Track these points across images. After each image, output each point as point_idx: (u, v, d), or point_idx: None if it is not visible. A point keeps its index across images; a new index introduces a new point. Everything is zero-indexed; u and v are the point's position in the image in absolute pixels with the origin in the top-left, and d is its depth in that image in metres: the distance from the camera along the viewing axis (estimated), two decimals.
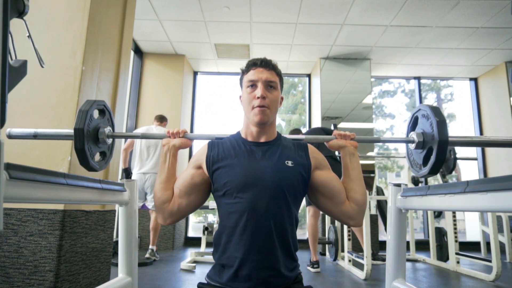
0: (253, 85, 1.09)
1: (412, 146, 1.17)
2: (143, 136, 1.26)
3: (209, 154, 1.10)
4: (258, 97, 1.06)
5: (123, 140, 3.61)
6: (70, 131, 1.09)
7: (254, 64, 1.11)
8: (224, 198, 1.05)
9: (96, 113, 1.18)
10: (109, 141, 1.23)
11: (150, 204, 3.55)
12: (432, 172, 1.08)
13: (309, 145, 1.17)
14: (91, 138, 1.12)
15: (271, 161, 1.06)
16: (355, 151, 1.14)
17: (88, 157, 1.10)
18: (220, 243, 1.04)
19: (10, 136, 1.14)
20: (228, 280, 0.99)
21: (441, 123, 1.04)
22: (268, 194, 1.01)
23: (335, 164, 3.38)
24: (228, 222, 1.02)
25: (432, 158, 1.06)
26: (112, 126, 1.27)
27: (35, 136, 1.16)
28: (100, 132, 1.16)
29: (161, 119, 3.79)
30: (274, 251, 0.99)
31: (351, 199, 1.09)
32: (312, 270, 3.15)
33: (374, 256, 3.06)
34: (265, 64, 1.10)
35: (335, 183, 1.10)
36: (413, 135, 1.15)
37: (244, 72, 1.14)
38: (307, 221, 3.37)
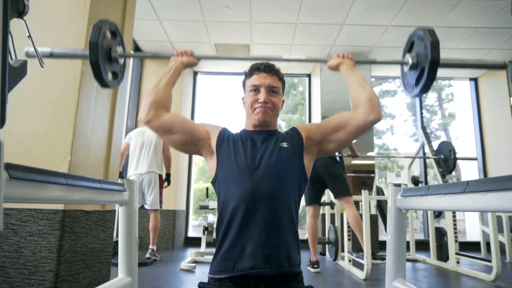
0: (256, 89, 1.13)
1: (406, 68, 1.22)
2: (153, 55, 1.30)
3: (221, 134, 1.15)
4: (260, 102, 1.11)
5: (122, 140, 3.61)
6: (85, 50, 1.12)
7: (257, 68, 1.15)
8: (225, 181, 1.08)
9: (108, 33, 1.20)
10: (121, 60, 1.26)
11: (147, 205, 3.55)
12: (423, 90, 1.14)
13: (298, 125, 1.23)
14: (104, 54, 1.15)
15: (269, 146, 1.11)
16: (354, 66, 1.20)
17: (102, 72, 1.13)
18: (223, 225, 1.06)
19: (28, 55, 1.14)
20: (233, 261, 1.00)
21: (434, 44, 1.07)
22: (268, 176, 1.05)
23: (335, 164, 3.37)
24: (230, 204, 1.04)
25: (424, 77, 1.11)
26: (123, 49, 1.27)
27: (51, 55, 1.19)
28: (113, 50, 1.19)
29: None
30: (278, 228, 1.02)
31: (359, 103, 1.11)
32: (312, 270, 3.15)
33: (374, 255, 3.07)
34: (268, 69, 1.14)
35: (333, 117, 1.16)
36: (408, 57, 1.20)
37: (248, 75, 1.18)
38: (307, 221, 3.36)
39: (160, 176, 3.62)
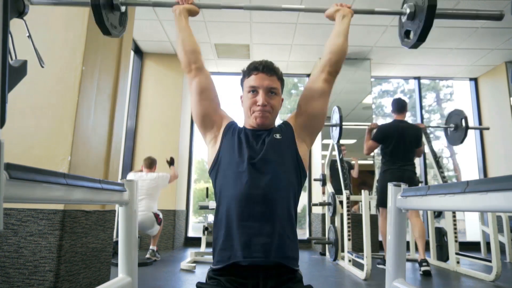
0: (254, 90, 1.11)
1: (404, 17, 1.24)
2: (155, 4, 1.30)
3: (231, 123, 1.18)
4: (259, 105, 1.10)
5: (122, 144, 3.61)
6: None
7: (255, 68, 1.12)
8: (223, 172, 1.09)
9: None
10: (123, 8, 1.26)
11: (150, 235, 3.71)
12: (420, 39, 1.17)
13: (288, 118, 1.25)
14: (106, 7, 1.15)
15: (265, 141, 1.12)
16: (349, 14, 1.24)
17: (104, 17, 1.13)
18: (220, 216, 1.07)
19: (32, 3, 1.14)
20: (229, 251, 1.01)
21: None
22: (266, 169, 1.06)
23: (413, 171, 3.33)
24: (227, 196, 1.06)
25: (421, 24, 1.14)
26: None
27: (54, 2, 1.21)
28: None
29: (151, 165, 3.83)
30: (274, 219, 1.02)
31: (326, 53, 1.19)
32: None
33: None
34: (267, 69, 1.12)
35: (301, 96, 1.20)
36: (406, 7, 1.22)
37: (246, 75, 1.16)
38: (380, 223, 3.31)
39: (156, 214, 3.69)
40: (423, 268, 2.97)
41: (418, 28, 1.17)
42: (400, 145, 3.24)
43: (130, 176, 3.82)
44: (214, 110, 1.17)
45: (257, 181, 1.03)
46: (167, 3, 1.30)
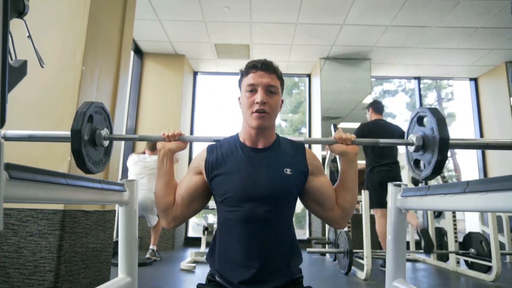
0: (252, 89, 1.05)
1: (411, 148, 1.14)
2: (140, 139, 1.24)
3: (208, 159, 1.09)
4: (257, 103, 1.03)
5: (122, 143, 3.61)
6: (67, 132, 1.07)
7: (254, 66, 1.06)
8: (222, 204, 1.05)
9: (94, 115, 1.16)
10: (106, 143, 1.21)
11: (149, 223, 3.67)
12: (435, 172, 1.06)
13: (306, 148, 1.15)
14: (88, 140, 1.10)
15: (270, 170, 1.05)
16: (355, 158, 1.12)
17: (85, 160, 1.07)
18: (217, 247, 1.05)
19: (5, 138, 1.13)
20: (229, 274, 1.00)
21: (441, 122, 1.02)
22: (267, 205, 1.01)
23: (398, 170, 3.34)
24: (225, 228, 1.04)
25: (434, 159, 1.04)
26: (110, 128, 1.25)
27: (30, 138, 1.13)
28: (97, 134, 1.14)
29: (153, 147, 3.82)
30: (273, 258, 1.00)
31: (340, 206, 1.10)
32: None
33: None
34: (266, 67, 1.05)
35: (327, 189, 1.10)
36: (413, 138, 1.13)
37: (244, 74, 1.10)
38: (378, 223, 3.23)
39: None
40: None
41: (430, 163, 1.07)
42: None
43: (132, 157, 3.78)
44: (202, 185, 1.10)
45: (259, 212, 1.01)
46: (153, 138, 1.19)
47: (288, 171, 1.05)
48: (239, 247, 1.00)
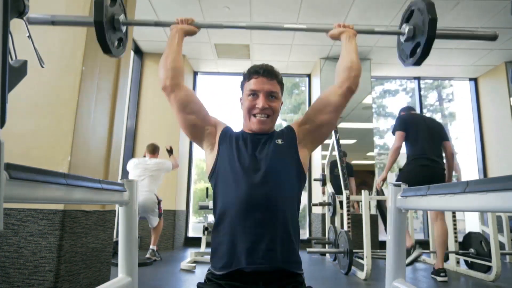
0: (254, 94, 1.12)
1: (402, 38, 1.25)
2: (156, 24, 1.29)
3: (226, 129, 1.18)
4: (258, 108, 1.11)
5: (122, 144, 3.62)
6: (89, 17, 1.14)
7: (256, 72, 1.13)
8: (223, 178, 1.09)
9: (110, 2, 1.20)
10: (124, 28, 1.27)
11: (150, 224, 3.68)
12: (416, 63, 1.21)
13: (292, 124, 1.24)
14: (107, 20, 1.16)
15: (266, 146, 1.12)
16: (354, 37, 1.24)
17: (105, 35, 1.14)
18: (220, 222, 1.06)
19: (29, 22, 1.14)
20: (230, 257, 1.01)
21: (432, 21, 1.10)
22: (267, 175, 1.05)
23: (443, 172, 3.19)
24: (227, 202, 1.06)
25: (419, 51, 1.16)
26: (125, 13, 1.29)
27: (53, 23, 1.21)
28: (115, 20, 1.20)
29: (153, 151, 3.84)
30: (276, 225, 1.02)
31: (340, 72, 1.17)
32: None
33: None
34: (267, 73, 1.12)
35: (313, 104, 1.18)
36: (405, 28, 1.22)
37: (246, 78, 1.16)
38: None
39: (157, 196, 3.71)
40: (440, 279, 2.85)
41: (415, 53, 1.19)
42: (425, 134, 3.00)
43: (133, 160, 3.80)
44: (203, 120, 1.16)
45: (260, 190, 1.03)
46: (167, 23, 1.28)
47: (279, 141, 1.14)
48: (239, 220, 1.02)
